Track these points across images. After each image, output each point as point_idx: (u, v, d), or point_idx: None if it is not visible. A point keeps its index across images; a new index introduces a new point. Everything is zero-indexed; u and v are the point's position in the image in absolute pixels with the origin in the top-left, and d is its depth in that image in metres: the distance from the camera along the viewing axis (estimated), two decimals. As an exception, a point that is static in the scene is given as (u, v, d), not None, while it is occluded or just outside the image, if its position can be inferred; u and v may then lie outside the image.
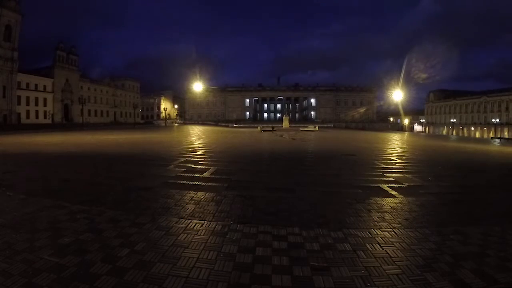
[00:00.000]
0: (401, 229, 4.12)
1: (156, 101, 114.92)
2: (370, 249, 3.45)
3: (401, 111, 78.75)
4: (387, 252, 3.36)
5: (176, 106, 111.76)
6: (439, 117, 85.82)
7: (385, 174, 8.64)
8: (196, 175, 7.85)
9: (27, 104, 56.26)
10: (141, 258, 3.12)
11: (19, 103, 52.58)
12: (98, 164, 9.54)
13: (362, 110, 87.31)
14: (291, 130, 42.42)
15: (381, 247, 3.51)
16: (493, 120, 63.59)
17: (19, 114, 52.16)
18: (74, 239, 3.56)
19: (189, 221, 4.30)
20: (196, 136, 28.92)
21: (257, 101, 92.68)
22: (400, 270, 2.95)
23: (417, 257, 3.25)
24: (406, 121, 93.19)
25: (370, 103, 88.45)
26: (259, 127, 48.90)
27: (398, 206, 5.30)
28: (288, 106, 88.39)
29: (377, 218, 4.58)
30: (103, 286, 2.60)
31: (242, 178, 7.73)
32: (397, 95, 47.23)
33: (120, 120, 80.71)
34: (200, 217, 4.50)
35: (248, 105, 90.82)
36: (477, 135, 68.98)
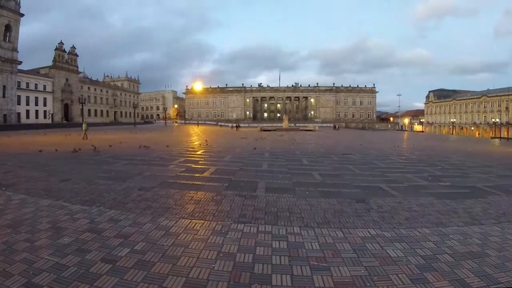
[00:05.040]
0: (401, 229, 4.12)
1: (156, 101, 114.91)
2: (370, 249, 3.45)
3: (401, 111, 78.78)
4: (387, 252, 3.36)
5: (176, 106, 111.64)
6: (439, 116, 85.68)
7: (385, 174, 8.66)
8: (196, 175, 7.86)
9: (27, 104, 56.13)
10: (141, 258, 3.12)
11: (19, 103, 52.43)
12: (98, 164, 9.53)
13: (362, 110, 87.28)
14: (291, 130, 42.51)
15: (381, 247, 3.51)
16: (493, 120, 63.48)
17: (19, 114, 52.05)
18: (74, 239, 3.56)
19: (189, 221, 4.30)
20: (196, 136, 28.94)
21: (257, 100, 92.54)
22: (400, 270, 2.96)
23: (417, 257, 3.25)
24: (406, 121, 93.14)
25: (370, 103, 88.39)
26: (259, 127, 49.03)
27: (398, 206, 5.31)
28: (288, 106, 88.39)
29: (377, 218, 4.58)
30: (103, 286, 2.60)
31: (242, 177, 7.73)
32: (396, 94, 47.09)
33: (120, 120, 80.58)
34: (200, 217, 4.50)
35: (248, 104, 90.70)
36: (477, 135, 68.91)
